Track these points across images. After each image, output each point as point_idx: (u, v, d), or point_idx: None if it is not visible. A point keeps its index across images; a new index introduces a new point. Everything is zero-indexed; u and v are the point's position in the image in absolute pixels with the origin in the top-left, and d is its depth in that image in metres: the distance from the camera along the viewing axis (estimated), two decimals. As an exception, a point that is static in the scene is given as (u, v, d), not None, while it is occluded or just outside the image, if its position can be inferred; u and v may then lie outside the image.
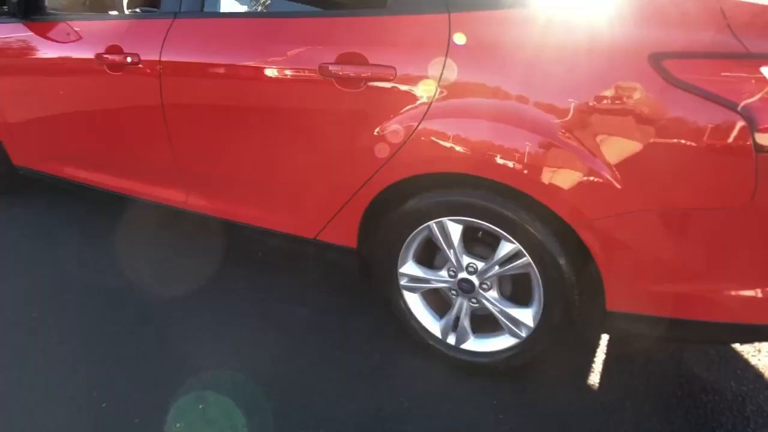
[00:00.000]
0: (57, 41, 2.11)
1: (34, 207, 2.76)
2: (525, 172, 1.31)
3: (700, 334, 1.35)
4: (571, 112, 1.24)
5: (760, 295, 1.24)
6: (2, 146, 2.56)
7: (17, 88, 2.31)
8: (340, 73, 1.49)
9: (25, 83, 2.28)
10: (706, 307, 1.29)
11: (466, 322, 1.61)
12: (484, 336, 1.62)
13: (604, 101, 1.22)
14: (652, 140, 1.19)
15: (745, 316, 1.27)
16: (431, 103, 1.39)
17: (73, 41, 2.05)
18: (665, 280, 1.29)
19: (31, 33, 2.19)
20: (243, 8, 1.92)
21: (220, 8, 1.86)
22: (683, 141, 1.17)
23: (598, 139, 1.23)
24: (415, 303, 1.69)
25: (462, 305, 1.60)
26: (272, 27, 1.66)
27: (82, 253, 2.32)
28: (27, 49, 2.22)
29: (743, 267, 1.24)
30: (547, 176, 1.29)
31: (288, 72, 1.58)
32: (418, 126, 1.41)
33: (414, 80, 1.41)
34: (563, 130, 1.26)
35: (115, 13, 2.43)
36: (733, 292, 1.26)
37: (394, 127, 1.45)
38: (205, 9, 1.81)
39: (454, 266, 1.56)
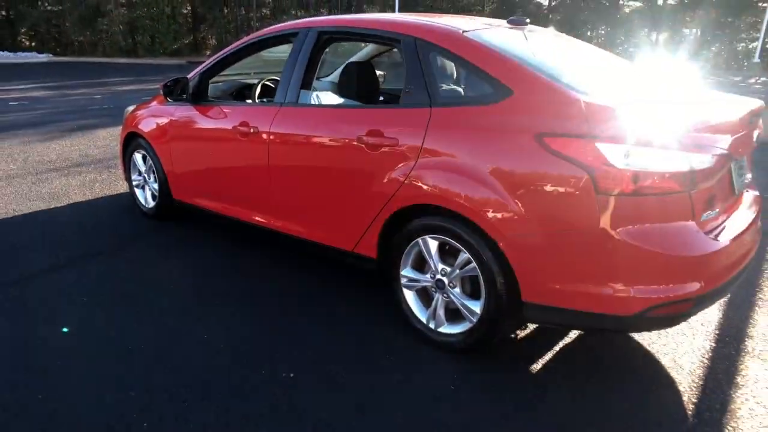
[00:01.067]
0: (211, 118, 3.30)
1: (188, 225, 3.96)
2: (467, 205, 2.10)
3: (577, 320, 1.99)
4: (492, 168, 2.04)
5: (611, 292, 1.88)
6: (168, 185, 3.80)
7: (182, 146, 3.55)
8: (369, 141, 2.42)
9: (188, 143, 3.50)
10: (580, 299, 1.94)
11: (441, 312, 2.35)
12: (452, 322, 2.34)
13: (510, 161, 2.00)
14: (538, 187, 1.94)
15: (602, 307, 1.91)
16: (417, 160, 2.26)
17: (221, 118, 3.23)
18: (554, 280, 1.97)
19: (196, 112, 3.42)
20: (316, 102, 2.96)
21: (304, 102, 2.90)
22: (556, 187, 1.91)
23: (508, 185, 2.01)
24: (410, 297, 2.47)
25: (438, 299, 2.35)
26: (332, 114, 2.66)
27: (220, 257, 3.39)
28: (192, 122, 3.45)
29: (597, 270, 1.90)
30: (480, 208, 2.07)
31: (340, 140, 2.55)
32: (409, 174, 2.28)
33: (408, 147, 2.29)
34: (488, 179, 2.05)
35: (249, 102, 3.63)
36: (595, 290, 1.91)
37: (397, 175, 2.33)
38: (299, 102, 2.87)
39: (433, 270, 2.33)
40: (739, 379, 2.20)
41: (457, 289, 2.28)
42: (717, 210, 2.04)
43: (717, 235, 2.00)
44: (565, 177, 1.89)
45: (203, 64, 3.49)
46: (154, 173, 3.87)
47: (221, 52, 3.38)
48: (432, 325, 2.39)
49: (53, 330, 2.52)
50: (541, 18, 28.10)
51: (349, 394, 2.10)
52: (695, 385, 2.16)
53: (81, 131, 7.61)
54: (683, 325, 2.57)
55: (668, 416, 1.98)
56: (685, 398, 2.08)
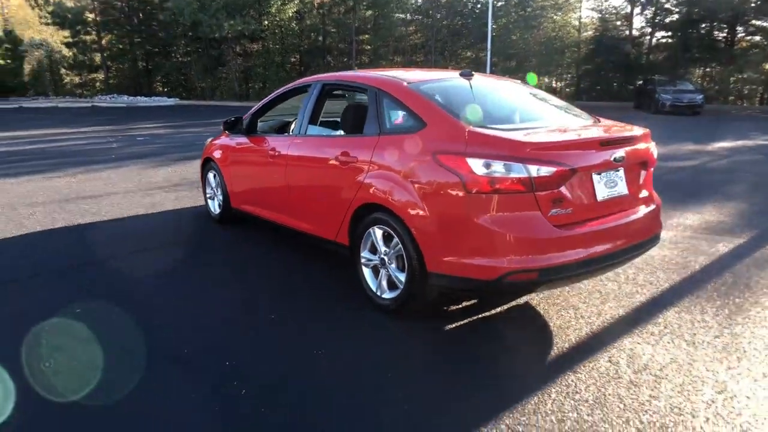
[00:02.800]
0: (255, 145, 4.53)
1: (242, 227, 5.20)
2: (395, 203, 3.05)
3: (462, 284, 2.82)
4: (409, 177, 2.98)
5: (480, 262, 2.71)
6: (228, 196, 5.08)
7: (236, 167, 4.82)
8: (341, 159, 3.46)
9: (240, 165, 4.77)
10: (461, 268, 2.78)
11: (384, 282, 3.27)
12: (390, 290, 3.25)
13: (419, 172, 2.94)
14: (434, 189, 2.86)
15: (476, 274, 2.74)
16: (367, 172, 3.25)
17: (261, 146, 4.44)
18: (445, 254, 2.84)
19: (247, 141, 4.68)
20: (315, 133, 4.05)
21: (311, 133, 4.01)
22: (443, 189, 2.81)
23: (417, 188, 2.93)
24: (367, 273, 3.41)
25: (382, 273, 3.27)
26: (322, 141, 3.76)
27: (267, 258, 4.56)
28: (243, 149, 4.71)
29: (470, 247, 2.74)
30: (401, 205, 3.01)
31: (326, 160, 3.61)
32: (363, 182, 3.27)
33: (363, 162, 3.29)
34: (407, 185, 2.99)
35: (283, 134, 4.84)
36: (469, 261, 2.75)
37: (356, 183, 3.33)
38: (306, 134, 4.00)
39: (379, 252, 3.27)
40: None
41: (393, 265, 3.20)
42: (570, 209, 2.80)
43: (565, 227, 2.76)
44: (448, 182, 2.79)
45: (255, 107, 4.77)
46: (220, 188, 5.18)
47: (265, 99, 4.64)
48: (378, 293, 3.31)
49: (145, 279, 3.79)
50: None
51: (315, 333, 3.08)
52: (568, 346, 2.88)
53: (184, 161, 9.46)
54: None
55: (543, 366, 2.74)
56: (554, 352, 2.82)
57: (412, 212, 2.96)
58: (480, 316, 3.27)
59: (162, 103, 29.96)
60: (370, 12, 33.30)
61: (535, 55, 31.17)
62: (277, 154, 4.15)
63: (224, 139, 5.09)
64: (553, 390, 2.51)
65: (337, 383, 2.58)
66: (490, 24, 28.40)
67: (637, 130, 3.27)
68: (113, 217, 5.66)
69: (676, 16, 28.78)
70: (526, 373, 2.68)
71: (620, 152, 3.01)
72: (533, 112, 3.57)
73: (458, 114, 3.03)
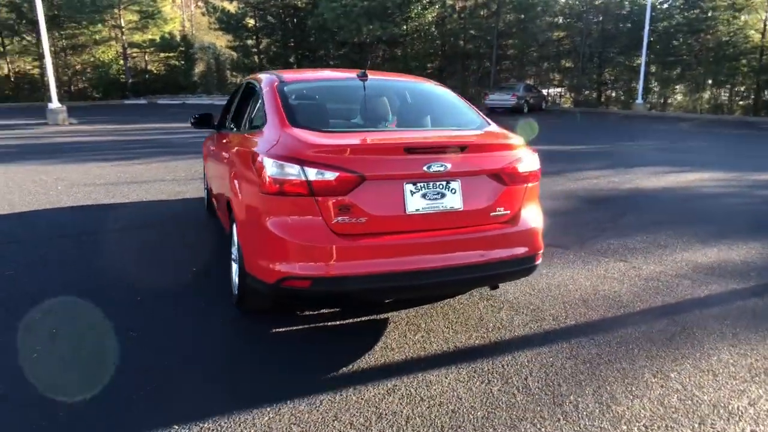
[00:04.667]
0: (218, 141, 4.95)
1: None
2: (231, 198, 3.22)
3: (258, 284, 2.90)
4: (240, 173, 3.14)
5: (264, 264, 2.78)
6: (209, 188, 5.60)
7: (208, 159, 5.30)
8: (223, 156, 3.71)
9: (208, 158, 5.24)
10: (256, 269, 2.87)
11: (235, 279, 3.45)
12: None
13: (245, 171, 3.08)
14: (248, 188, 2.98)
15: (262, 276, 2.81)
16: (230, 168, 3.46)
17: (221, 140, 4.85)
18: (250, 255, 2.96)
19: (215, 137, 5.14)
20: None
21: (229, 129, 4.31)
22: (250, 187, 2.93)
23: (242, 187, 3.08)
24: (234, 268, 3.61)
25: (234, 270, 3.46)
26: (228, 137, 4.01)
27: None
28: (211, 143, 5.17)
29: (260, 248, 2.82)
30: (233, 200, 3.17)
31: (222, 156, 3.88)
32: (228, 177, 3.49)
33: (230, 158, 3.51)
34: (238, 180, 3.15)
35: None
36: (259, 262, 2.83)
37: (228, 177, 3.56)
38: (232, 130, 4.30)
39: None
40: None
41: (235, 265, 3.36)
42: (363, 219, 2.71)
43: (353, 237, 2.69)
44: (255, 182, 2.90)
45: (226, 103, 5.22)
46: (204, 180, 5.75)
47: (230, 97, 5.06)
48: (233, 290, 3.49)
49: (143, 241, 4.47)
50: None
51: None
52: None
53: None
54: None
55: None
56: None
57: (238, 211, 3.11)
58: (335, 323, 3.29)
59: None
60: (514, 15, 32.55)
61: (701, 62, 27.76)
62: (216, 150, 4.51)
63: (209, 135, 5.63)
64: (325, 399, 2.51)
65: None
66: (647, 27, 26.05)
67: (491, 138, 3.01)
68: (134, 200, 6.56)
69: None
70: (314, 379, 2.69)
71: (440, 162, 2.81)
72: (404, 117, 3.45)
73: (293, 115, 3.09)
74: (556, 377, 2.75)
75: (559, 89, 35.78)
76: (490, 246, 2.95)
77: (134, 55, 36.47)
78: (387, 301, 3.51)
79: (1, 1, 31.35)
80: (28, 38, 33.15)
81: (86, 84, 35.15)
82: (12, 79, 33.18)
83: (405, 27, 31.90)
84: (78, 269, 4.19)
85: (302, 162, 2.68)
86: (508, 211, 3.02)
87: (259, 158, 2.88)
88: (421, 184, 2.80)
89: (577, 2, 32.77)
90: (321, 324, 3.33)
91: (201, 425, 2.34)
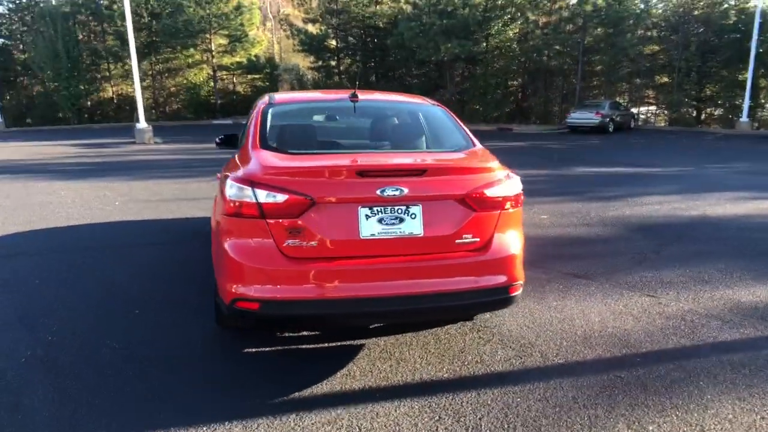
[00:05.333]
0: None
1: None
2: (213, 217, 3.35)
3: (219, 305, 2.97)
4: (219, 192, 3.26)
5: (222, 284, 2.86)
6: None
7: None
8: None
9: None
10: (219, 290, 2.95)
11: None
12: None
13: (221, 192, 3.20)
14: (217, 211, 3.09)
15: (222, 296, 2.88)
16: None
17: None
18: (216, 277, 3.04)
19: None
20: None
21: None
22: (219, 211, 3.03)
23: (216, 206, 3.19)
24: (221, 285, 3.74)
25: (220, 286, 3.57)
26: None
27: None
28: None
29: (219, 268, 2.90)
30: (212, 226, 3.30)
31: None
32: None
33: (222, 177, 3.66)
34: (217, 200, 3.27)
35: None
36: (219, 282, 2.91)
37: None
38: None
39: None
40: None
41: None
42: (314, 242, 2.71)
43: (303, 261, 2.69)
44: (220, 201, 2.99)
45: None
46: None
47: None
48: (219, 306, 3.61)
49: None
50: None
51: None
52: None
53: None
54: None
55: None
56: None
57: (212, 231, 3.22)
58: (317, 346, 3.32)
59: (377, 123, 33.14)
60: (602, 30, 31.35)
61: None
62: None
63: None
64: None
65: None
66: (755, 37, 24.14)
67: (459, 162, 2.91)
68: (177, 216, 6.97)
69: None
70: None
71: (395, 186, 2.74)
72: (384, 139, 3.43)
73: (265, 137, 3.17)
74: (515, 420, 2.58)
75: (652, 107, 33.91)
76: (455, 274, 2.83)
77: (223, 77, 38.97)
78: (350, 326, 3.48)
79: (108, 30, 34.80)
80: (130, 63, 36.54)
81: (179, 105, 37.97)
82: (114, 101, 36.54)
83: (485, 44, 31.71)
84: (82, 279, 4.52)
85: (254, 184, 2.74)
86: (477, 239, 2.89)
87: (226, 180, 2.98)
88: (378, 209, 2.76)
89: (672, 14, 31.03)
90: (295, 346, 3.35)
91: (135, 440, 2.43)
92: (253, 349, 3.30)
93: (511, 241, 2.99)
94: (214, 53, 36.95)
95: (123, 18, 34.73)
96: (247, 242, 2.78)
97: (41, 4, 35.51)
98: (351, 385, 2.90)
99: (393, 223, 2.77)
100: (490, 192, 2.90)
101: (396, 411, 2.65)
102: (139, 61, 35.26)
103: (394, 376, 2.98)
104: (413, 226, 2.79)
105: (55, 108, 34.24)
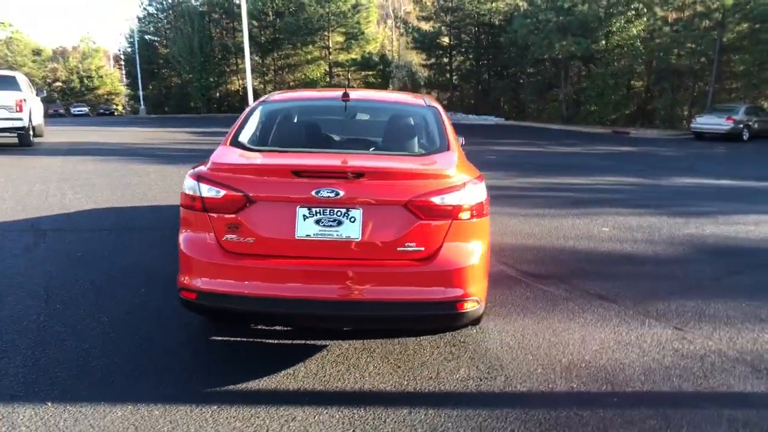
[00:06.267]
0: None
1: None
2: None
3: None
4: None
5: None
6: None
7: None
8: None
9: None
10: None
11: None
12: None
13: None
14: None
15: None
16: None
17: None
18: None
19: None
20: None
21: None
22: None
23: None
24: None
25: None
26: None
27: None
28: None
29: (179, 259, 2.95)
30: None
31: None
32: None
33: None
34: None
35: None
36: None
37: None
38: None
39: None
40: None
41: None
42: (251, 239, 2.67)
43: (240, 256, 2.67)
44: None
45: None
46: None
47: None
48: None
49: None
50: None
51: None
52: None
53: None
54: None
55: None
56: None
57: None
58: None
59: (484, 122, 32.46)
60: (746, 25, 27.99)
61: None
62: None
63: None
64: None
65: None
66: None
67: (407, 166, 2.71)
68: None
69: None
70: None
71: (331, 188, 2.63)
72: (358, 139, 3.30)
73: (239, 134, 3.21)
74: (431, 447, 2.37)
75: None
76: (395, 284, 2.65)
77: (339, 73, 40.38)
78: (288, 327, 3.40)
79: (237, 28, 37.43)
80: (256, 58, 39.06)
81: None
82: (240, 93, 39.32)
83: (604, 42, 29.73)
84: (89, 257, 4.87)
85: (200, 179, 2.79)
86: (422, 248, 2.68)
87: (190, 177, 3.05)
88: (317, 210, 2.66)
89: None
90: (259, 340, 3.35)
91: (61, 404, 2.56)
92: (218, 338, 3.35)
93: (465, 253, 2.74)
94: (331, 50, 38.41)
95: (252, 16, 37.34)
96: (193, 234, 2.84)
97: (183, 4, 39.12)
98: (287, 385, 2.83)
99: (330, 225, 2.66)
100: (437, 199, 2.67)
101: (313, 418, 2.54)
102: (263, 57, 37.82)
103: (336, 382, 2.87)
104: (351, 229, 2.66)
105: (188, 98, 37.63)
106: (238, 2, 37.70)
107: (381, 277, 2.65)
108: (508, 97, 37.28)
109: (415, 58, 41.81)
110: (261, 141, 3.20)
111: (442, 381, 2.91)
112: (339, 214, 2.67)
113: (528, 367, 3.08)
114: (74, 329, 3.40)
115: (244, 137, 3.19)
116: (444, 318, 2.79)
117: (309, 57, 38.34)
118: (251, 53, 38.77)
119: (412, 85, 43.20)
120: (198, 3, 38.12)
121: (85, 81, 52.39)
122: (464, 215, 2.73)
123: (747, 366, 3.16)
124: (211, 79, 36.92)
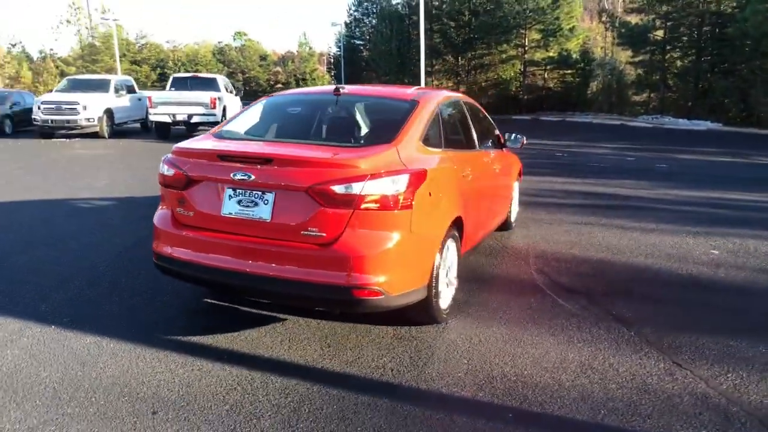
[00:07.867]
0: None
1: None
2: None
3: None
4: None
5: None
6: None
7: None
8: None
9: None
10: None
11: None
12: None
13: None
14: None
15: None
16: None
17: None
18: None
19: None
20: None
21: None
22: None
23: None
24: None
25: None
26: None
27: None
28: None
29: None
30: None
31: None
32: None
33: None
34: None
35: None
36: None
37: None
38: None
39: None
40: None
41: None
42: (191, 213, 3.19)
43: (183, 227, 3.21)
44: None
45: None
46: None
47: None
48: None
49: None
50: None
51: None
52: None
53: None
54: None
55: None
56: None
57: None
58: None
59: (693, 127, 28.64)
60: None
61: None
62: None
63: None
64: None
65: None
66: None
67: (315, 154, 2.95)
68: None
69: None
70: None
71: (244, 172, 3.00)
72: (319, 130, 3.61)
73: (226, 123, 3.75)
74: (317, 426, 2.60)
75: None
76: (296, 264, 2.91)
77: (534, 72, 39.26)
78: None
79: (434, 28, 38.86)
80: (450, 59, 40.15)
81: (488, 100, 39.99)
82: (430, 94, 40.69)
83: None
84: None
85: (165, 159, 3.39)
86: (323, 234, 2.88)
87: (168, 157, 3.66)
88: (240, 191, 3.07)
89: None
90: (234, 306, 3.84)
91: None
92: (213, 301, 3.93)
93: (368, 242, 2.86)
94: (526, 48, 37.52)
95: (449, 16, 38.39)
96: (159, 207, 3.49)
97: (386, 8, 41.94)
98: (225, 344, 3.27)
99: (248, 206, 3.04)
100: (338, 188, 2.85)
101: (214, 379, 2.91)
102: (456, 58, 38.67)
103: (268, 351, 3.21)
104: (263, 211, 3.01)
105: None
106: (437, 4, 39.17)
107: (285, 257, 2.94)
108: (735, 99, 32.10)
109: (622, 56, 38.56)
110: (233, 132, 3.69)
111: (356, 364, 3.07)
112: (256, 196, 3.04)
113: (465, 374, 3.02)
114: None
115: (227, 127, 3.74)
116: (339, 303, 2.96)
117: (503, 56, 37.93)
118: (445, 54, 39.96)
119: (617, 85, 40.01)
120: (398, 4, 40.59)
121: (300, 83, 59.46)
122: (369, 205, 2.85)
123: (756, 420, 2.69)
124: (406, 81, 38.90)
